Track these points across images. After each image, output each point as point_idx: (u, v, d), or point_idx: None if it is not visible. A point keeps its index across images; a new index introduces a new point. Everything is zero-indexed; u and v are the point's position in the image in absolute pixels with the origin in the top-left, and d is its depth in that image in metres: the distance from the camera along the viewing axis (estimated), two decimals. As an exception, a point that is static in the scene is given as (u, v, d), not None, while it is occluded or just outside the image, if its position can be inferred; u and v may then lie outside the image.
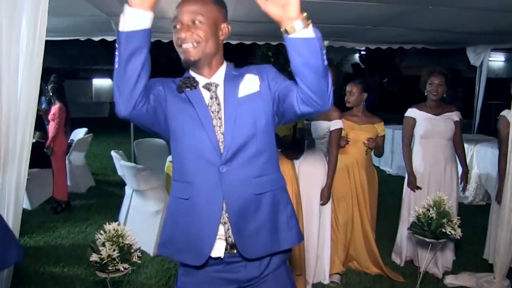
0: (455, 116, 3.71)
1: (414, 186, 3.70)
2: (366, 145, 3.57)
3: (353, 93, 3.63)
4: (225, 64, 1.68)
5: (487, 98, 7.98)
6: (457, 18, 4.60)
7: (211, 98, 1.61)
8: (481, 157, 5.85)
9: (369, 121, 3.67)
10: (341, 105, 3.32)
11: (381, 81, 19.73)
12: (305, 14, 1.32)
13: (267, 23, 5.03)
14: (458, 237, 2.77)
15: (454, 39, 6.53)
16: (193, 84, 1.60)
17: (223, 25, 1.61)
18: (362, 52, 18.76)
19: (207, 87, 1.62)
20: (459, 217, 2.88)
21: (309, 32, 1.33)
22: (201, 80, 1.63)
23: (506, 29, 2.95)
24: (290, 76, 1.53)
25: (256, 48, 10.78)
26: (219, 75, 1.65)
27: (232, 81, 1.63)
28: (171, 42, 1.67)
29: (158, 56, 11.97)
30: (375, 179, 3.74)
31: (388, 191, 5.29)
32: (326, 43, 7.21)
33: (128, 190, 4.47)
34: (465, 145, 5.59)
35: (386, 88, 19.51)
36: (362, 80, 3.78)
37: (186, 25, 1.55)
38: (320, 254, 3.45)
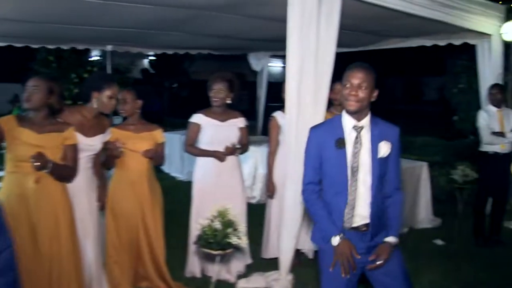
0: (240, 122, 3.79)
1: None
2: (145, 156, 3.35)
3: (127, 101, 3.35)
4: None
5: (269, 101, 8.59)
6: (239, 25, 4.77)
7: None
8: (266, 157, 6.17)
9: (146, 128, 3.44)
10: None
11: (171, 86, 19.85)
12: None
13: (46, 24, 4.50)
14: (244, 246, 2.80)
15: (237, 46, 6.84)
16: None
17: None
18: (151, 58, 18.56)
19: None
20: (245, 225, 2.90)
21: None
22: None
23: (283, 37, 3.10)
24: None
25: (37, 53, 9.64)
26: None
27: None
28: None
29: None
30: (159, 190, 3.56)
31: (179, 198, 5.18)
32: (109, 47, 6.80)
33: None
34: (251, 147, 5.92)
35: (176, 93, 19.72)
36: (134, 87, 3.56)
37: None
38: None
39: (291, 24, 3.13)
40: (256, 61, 7.93)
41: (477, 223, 4.94)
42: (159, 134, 3.49)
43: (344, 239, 2.20)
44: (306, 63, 3.17)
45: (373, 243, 2.26)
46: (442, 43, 5.68)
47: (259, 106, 8.22)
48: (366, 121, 2.25)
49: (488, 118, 4.75)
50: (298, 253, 4.01)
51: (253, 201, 5.94)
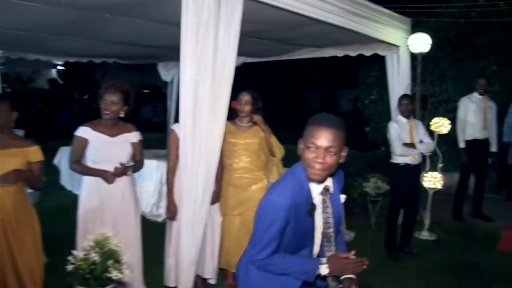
0: (133, 137, 3.38)
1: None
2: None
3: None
4: None
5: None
6: (139, 30, 4.37)
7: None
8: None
9: (16, 144, 2.90)
10: None
11: (81, 97, 18.78)
12: None
13: None
14: (128, 279, 2.38)
15: (145, 54, 6.40)
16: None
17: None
18: (59, 67, 17.37)
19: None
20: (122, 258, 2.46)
21: None
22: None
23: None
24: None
25: None
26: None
27: None
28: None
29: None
30: (31, 215, 3.01)
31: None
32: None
33: None
34: (157, 161, 5.49)
35: (87, 105, 18.65)
36: (7, 97, 3.07)
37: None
38: None
39: (185, 27, 2.78)
40: (165, 71, 7.47)
41: (389, 235, 4.90)
42: (33, 152, 2.95)
43: (328, 259, 1.90)
44: (203, 70, 2.83)
45: None
46: (353, 53, 5.64)
47: (169, 118, 7.79)
48: (330, 179, 1.96)
49: (399, 129, 4.73)
50: (203, 282, 3.68)
51: (159, 219, 5.49)
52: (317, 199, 1.93)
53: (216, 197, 3.55)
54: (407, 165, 4.71)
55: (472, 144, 5.97)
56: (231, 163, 3.82)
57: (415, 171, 4.80)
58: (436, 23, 7.66)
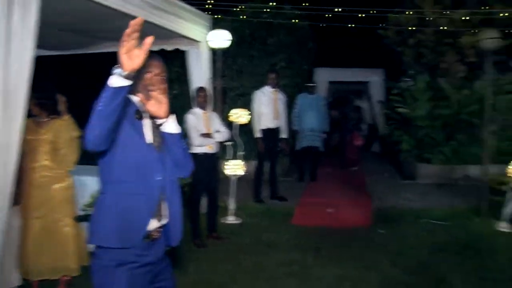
0: None
1: None
2: None
3: None
4: None
5: None
6: None
7: None
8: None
9: None
10: None
11: None
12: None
13: None
14: None
15: None
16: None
17: None
18: None
19: None
20: None
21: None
22: None
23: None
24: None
25: None
26: None
27: None
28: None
29: None
30: None
31: None
32: None
33: None
34: None
35: None
36: None
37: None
38: None
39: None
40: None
41: (193, 223, 5.02)
42: None
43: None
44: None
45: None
46: (155, 48, 5.65)
47: None
48: None
49: (196, 120, 4.94)
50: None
51: None
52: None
53: (17, 200, 3.23)
54: (205, 154, 4.95)
55: (266, 132, 6.60)
56: (31, 162, 3.51)
57: (213, 159, 5.08)
58: (233, 22, 8.18)
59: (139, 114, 2.02)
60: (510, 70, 8.61)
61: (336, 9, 8.83)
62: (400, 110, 8.73)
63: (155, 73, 2.05)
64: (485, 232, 5.34)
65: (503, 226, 5.43)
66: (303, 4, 10.44)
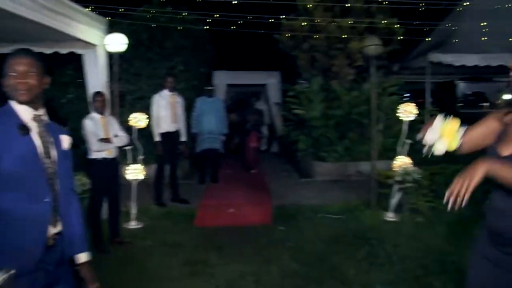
0: None
1: None
2: None
3: None
4: None
5: None
6: None
7: None
8: None
9: None
10: None
11: None
12: None
13: None
14: None
15: None
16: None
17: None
18: None
19: None
20: None
21: None
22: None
23: None
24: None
25: None
26: None
27: None
28: None
29: None
30: None
31: None
32: None
33: None
34: None
35: None
36: None
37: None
38: None
39: None
40: None
41: (95, 230, 4.93)
42: None
43: None
44: None
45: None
46: (48, 51, 5.45)
47: None
48: (43, 110, 2.07)
49: (94, 125, 4.88)
50: None
51: None
52: (31, 124, 1.98)
53: None
54: (104, 159, 4.92)
55: (165, 136, 6.65)
56: None
57: (112, 164, 5.05)
58: (130, 25, 8.08)
59: (23, 129, 1.94)
60: (393, 73, 9.52)
61: (232, 14, 9.09)
62: (296, 111, 9.17)
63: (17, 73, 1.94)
64: (375, 222, 5.86)
65: (390, 216, 6.00)
66: (201, 9, 10.61)
